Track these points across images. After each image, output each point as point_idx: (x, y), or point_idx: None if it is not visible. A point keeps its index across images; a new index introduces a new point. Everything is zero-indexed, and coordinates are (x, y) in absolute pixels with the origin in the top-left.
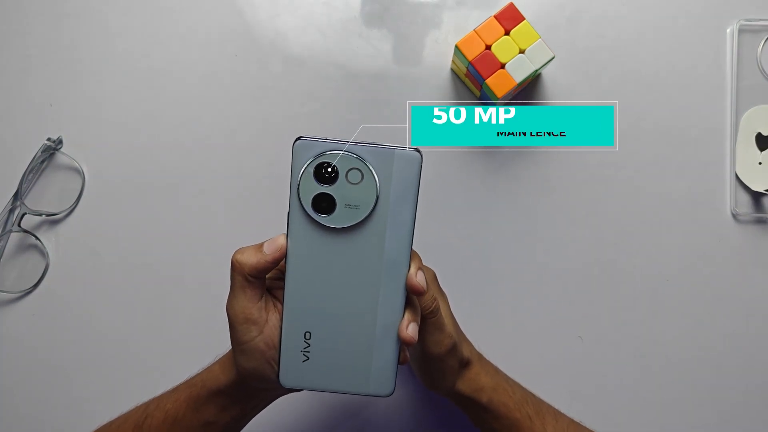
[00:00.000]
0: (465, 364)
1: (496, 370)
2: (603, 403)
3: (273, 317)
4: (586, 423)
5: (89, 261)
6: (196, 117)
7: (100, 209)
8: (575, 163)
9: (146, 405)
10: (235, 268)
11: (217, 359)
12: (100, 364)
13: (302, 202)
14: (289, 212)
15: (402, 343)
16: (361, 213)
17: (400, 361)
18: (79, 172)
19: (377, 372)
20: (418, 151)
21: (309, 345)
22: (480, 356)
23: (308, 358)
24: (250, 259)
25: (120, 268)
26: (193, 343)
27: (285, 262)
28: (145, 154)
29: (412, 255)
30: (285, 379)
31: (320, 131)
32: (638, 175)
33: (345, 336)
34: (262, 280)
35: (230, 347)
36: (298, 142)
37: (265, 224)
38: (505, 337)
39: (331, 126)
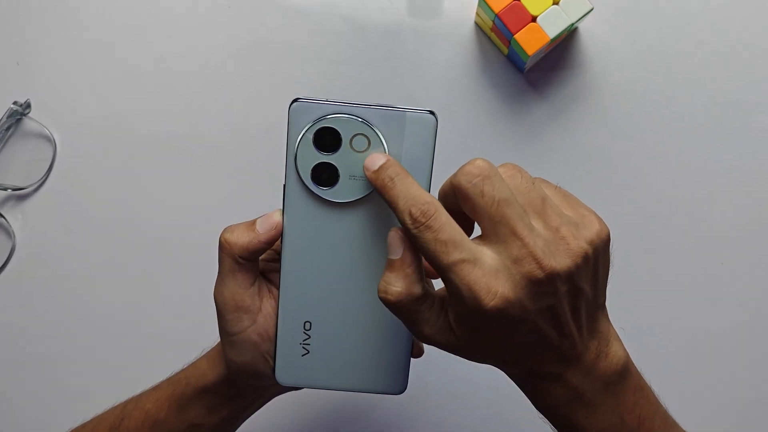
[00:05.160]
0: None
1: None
2: None
3: (268, 304)
4: None
5: (61, 242)
6: (183, 77)
7: (74, 182)
8: (614, 128)
9: (123, 405)
10: (224, 248)
11: (204, 353)
12: (72, 358)
13: (300, 173)
14: (285, 185)
15: None
16: (367, 185)
17: (414, 354)
18: (50, 141)
19: (387, 366)
20: (433, 114)
21: (309, 336)
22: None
23: (308, 352)
24: (241, 238)
25: (96, 250)
26: (178, 335)
27: (281, 241)
28: (126, 119)
29: None
30: (281, 376)
31: (323, 93)
32: (688, 142)
33: (350, 326)
34: (254, 262)
35: (219, 339)
36: (294, 104)
37: (259, 198)
38: None
39: (337, 88)
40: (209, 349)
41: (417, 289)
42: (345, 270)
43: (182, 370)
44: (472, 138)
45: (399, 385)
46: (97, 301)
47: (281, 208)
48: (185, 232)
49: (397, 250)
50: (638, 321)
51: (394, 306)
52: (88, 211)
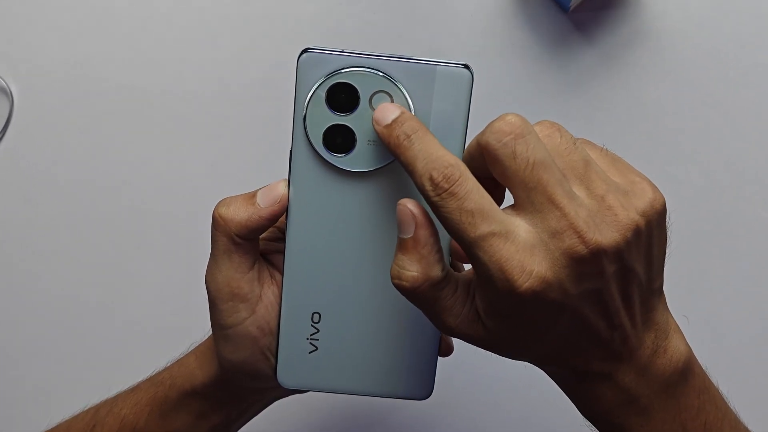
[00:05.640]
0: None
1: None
2: None
3: (269, 292)
4: None
5: (20, 212)
6: (164, 17)
7: (35, 142)
8: (677, 79)
9: (95, 409)
10: (218, 225)
11: (192, 348)
12: (32, 352)
13: (310, 137)
14: (291, 150)
15: None
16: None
17: (442, 353)
18: (6, 93)
19: (410, 367)
20: (469, 68)
21: (317, 330)
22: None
23: (316, 348)
24: (239, 213)
25: (62, 221)
26: (161, 325)
27: (286, 217)
28: (95, 67)
29: None
30: (284, 376)
31: (329, 38)
32: (766, 97)
33: (366, 318)
34: (254, 242)
35: (210, 332)
36: (304, 55)
37: (258, 166)
38: None
39: (346, 31)
40: (198, 343)
41: (436, 272)
42: (361, 252)
43: (166, 369)
44: (506, 91)
45: (424, 389)
46: (62, 282)
47: (286, 178)
48: (169, 203)
49: (409, 227)
50: (704, 309)
51: (410, 293)
52: (51, 176)
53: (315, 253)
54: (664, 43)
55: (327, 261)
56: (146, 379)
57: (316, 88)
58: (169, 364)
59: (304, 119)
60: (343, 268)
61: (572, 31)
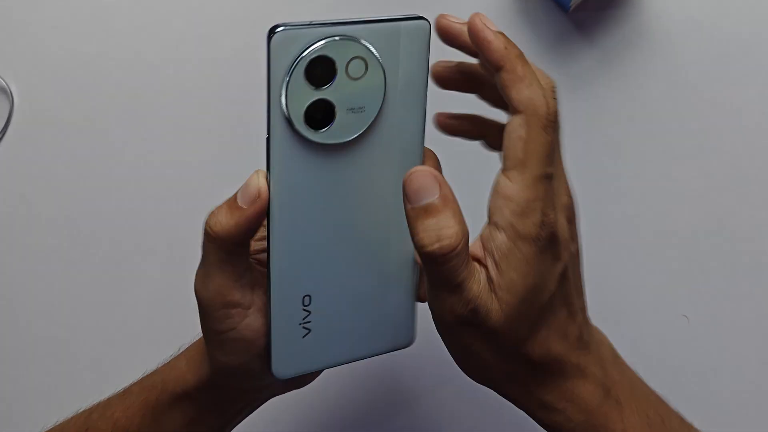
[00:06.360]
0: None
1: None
2: (712, 401)
3: (260, 293)
4: None
5: (17, 212)
6: (164, 17)
7: (33, 143)
8: (677, 79)
9: (87, 413)
10: (210, 238)
11: (182, 350)
12: (24, 353)
13: (291, 117)
14: (268, 137)
15: (420, 275)
16: (367, 116)
17: (420, 298)
18: (6, 92)
19: (393, 321)
20: (426, 20)
21: (309, 313)
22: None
23: (309, 331)
24: (227, 221)
25: (57, 222)
26: (160, 326)
27: (267, 209)
28: (94, 68)
29: (427, 156)
30: (280, 367)
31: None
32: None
33: (352, 287)
34: (245, 247)
35: (199, 334)
36: (276, 35)
37: (259, 166)
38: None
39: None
40: (188, 345)
41: (466, 228)
42: (345, 223)
43: (156, 372)
44: None
45: (407, 337)
46: (62, 282)
47: (263, 168)
48: (169, 203)
49: (434, 188)
50: (704, 309)
51: (450, 254)
52: (51, 176)
53: (301, 237)
54: (664, 43)
55: (313, 242)
56: (136, 382)
57: (295, 66)
58: (159, 367)
59: (286, 100)
60: (329, 245)
61: (572, 31)
